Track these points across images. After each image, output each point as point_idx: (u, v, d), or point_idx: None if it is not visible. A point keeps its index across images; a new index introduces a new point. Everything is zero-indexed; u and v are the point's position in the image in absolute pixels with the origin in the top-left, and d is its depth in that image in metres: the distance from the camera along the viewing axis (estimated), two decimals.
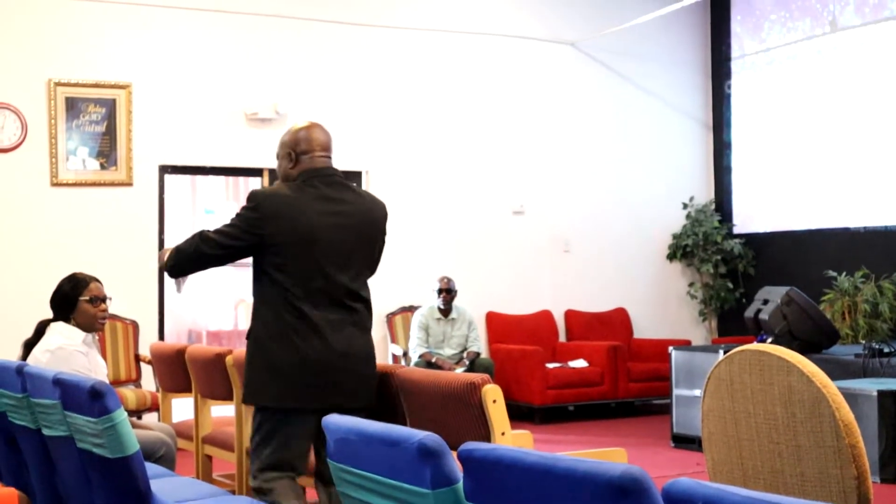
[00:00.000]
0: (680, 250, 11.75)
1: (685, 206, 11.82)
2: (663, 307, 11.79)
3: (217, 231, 4.32)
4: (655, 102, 11.81)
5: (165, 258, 4.39)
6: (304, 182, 4.48)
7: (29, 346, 5.23)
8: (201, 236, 4.32)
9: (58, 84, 8.93)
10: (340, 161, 10.17)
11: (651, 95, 11.76)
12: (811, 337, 7.98)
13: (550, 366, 10.32)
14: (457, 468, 2.19)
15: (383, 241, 4.63)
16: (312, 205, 4.41)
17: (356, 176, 10.27)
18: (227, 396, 5.79)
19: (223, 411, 6.59)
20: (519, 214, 11.04)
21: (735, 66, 11.89)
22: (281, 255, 4.27)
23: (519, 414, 9.96)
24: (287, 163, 4.58)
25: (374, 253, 4.59)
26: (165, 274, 4.54)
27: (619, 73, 11.56)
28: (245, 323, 12.01)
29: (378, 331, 10.31)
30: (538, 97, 11.18)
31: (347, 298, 4.38)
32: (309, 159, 4.57)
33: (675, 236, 11.81)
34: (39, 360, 4.96)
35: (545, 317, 11.10)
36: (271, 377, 4.22)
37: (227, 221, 4.36)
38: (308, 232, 4.30)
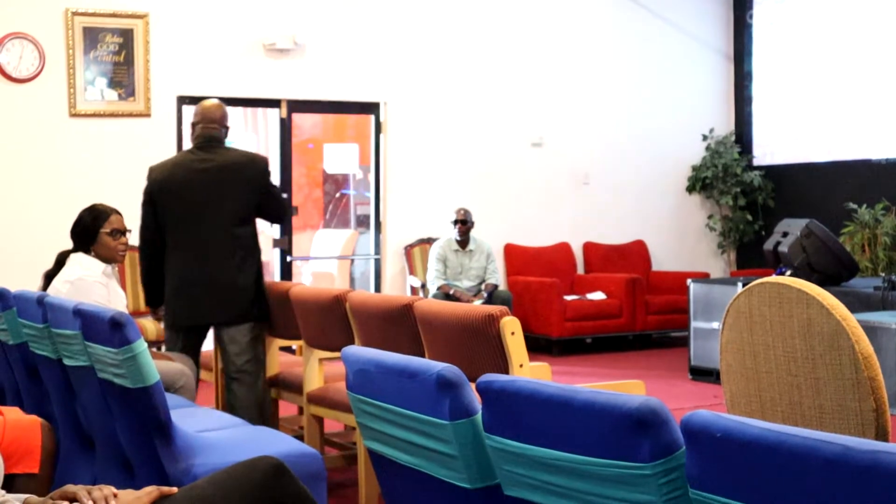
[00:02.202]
0: (699, 182, 11.69)
1: (705, 137, 11.74)
2: (682, 239, 11.76)
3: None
4: (676, 33, 11.69)
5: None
6: (189, 149, 5.77)
7: (49, 276, 5.25)
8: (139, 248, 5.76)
9: (75, 14, 8.89)
10: (358, 92, 10.24)
11: (672, 25, 11.64)
12: (831, 269, 7.95)
13: (568, 298, 10.33)
14: (475, 400, 2.20)
15: (258, 190, 5.58)
16: (184, 164, 5.63)
17: (374, 107, 10.22)
18: None
19: None
20: (537, 146, 10.98)
21: None
22: (163, 213, 5.59)
23: (537, 346, 9.99)
24: (191, 132, 5.76)
25: (240, 198, 5.53)
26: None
27: (639, 2, 11.43)
28: (264, 254, 12.04)
29: (396, 263, 10.32)
30: (557, 27, 11.08)
31: (206, 237, 5.49)
32: (200, 128, 5.66)
33: (694, 168, 11.74)
34: (59, 290, 4.98)
35: (563, 249, 11.09)
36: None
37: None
38: (176, 187, 5.55)
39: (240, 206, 5.52)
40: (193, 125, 5.72)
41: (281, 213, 5.93)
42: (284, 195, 9.94)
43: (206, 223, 5.48)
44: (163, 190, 5.58)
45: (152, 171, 5.72)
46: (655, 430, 1.71)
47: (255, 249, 5.63)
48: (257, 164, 5.67)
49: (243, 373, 5.50)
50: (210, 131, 5.64)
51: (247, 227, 5.58)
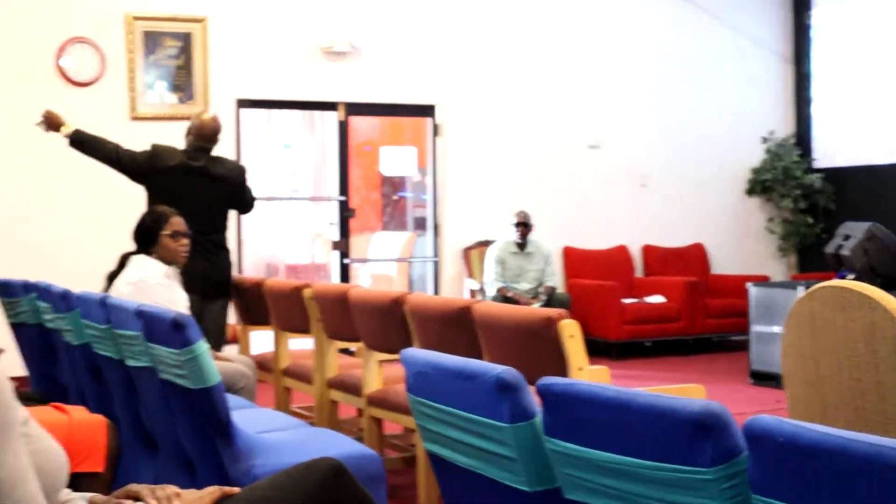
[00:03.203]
0: (759, 185, 11.59)
1: (765, 140, 11.64)
2: (741, 242, 11.66)
3: None
4: (734, 35, 11.59)
5: None
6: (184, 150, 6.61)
7: (112, 278, 5.32)
8: None
9: (136, 18, 8.99)
10: (414, 95, 10.27)
11: (730, 28, 11.55)
12: (894, 273, 7.84)
13: (627, 301, 10.28)
14: (535, 403, 2.19)
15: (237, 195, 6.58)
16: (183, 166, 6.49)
17: (431, 109, 10.24)
18: (304, 329, 5.85)
19: (301, 344, 6.66)
20: (595, 149, 10.94)
21: None
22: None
23: (595, 349, 9.94)
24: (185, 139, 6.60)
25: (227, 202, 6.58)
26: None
27: (698, 4, 11.36)
28: (321, 257, 12.11)
29: (454, 265, 10.33)
30: (615, 29, 11.04)
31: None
32: (192, 140, 6.51)
33: (754, 171, 11.64)
34: (121, 292, 5.04)
35: (622, 252, 11.04)
36: None
37: None
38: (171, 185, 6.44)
39: (222, 206, 6.51)
40: (186, 135, 6.57)
41: (250, 208, 6.85)
42: (342, 198, 10.00)
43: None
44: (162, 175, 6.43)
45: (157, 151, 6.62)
46: (717, 434, 1.70)
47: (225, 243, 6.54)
48: (240, 170, 6.68)
49: None
50: (206, 144, 6.51)
51: (223, 224, 6.54)
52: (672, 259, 11.18)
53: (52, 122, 6.62)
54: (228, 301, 6.57)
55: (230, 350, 7.84)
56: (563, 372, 3.78)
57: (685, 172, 11.36)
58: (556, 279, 9.91)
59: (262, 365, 6.31)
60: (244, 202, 6.71)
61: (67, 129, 6.60)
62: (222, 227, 6.50)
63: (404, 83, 10.05)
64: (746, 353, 8.72)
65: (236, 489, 2.36)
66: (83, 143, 6.62)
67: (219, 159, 6.58)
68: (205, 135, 6.50)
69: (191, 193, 6.26)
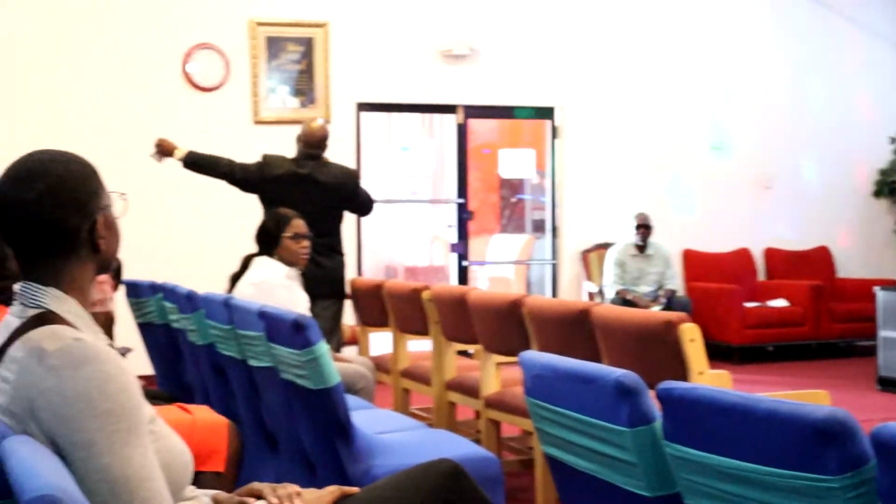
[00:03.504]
0: (887, 187, 11.30)
1: (893, 140, 11.34)
2: (868, 246, 11.38)
3: None
4: (861, 33, 11.33)
5: None
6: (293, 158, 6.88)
7: (235, 279, 5.41)
8: None
9: (259, 24, 9.14)
10: (533, 97, 10.24)
11: (856, 25, 11.29)
12: None
13: (749, 305, 10.11)
14: (654, 407, 2.17)
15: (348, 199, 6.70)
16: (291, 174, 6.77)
17: (550, 112, 10.21)
18: (423, 331, 5.87)
19: (420, 346, 6.70)
20: (717, 150, 10.79)
21: None
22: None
23: (716, 353, 9.79)
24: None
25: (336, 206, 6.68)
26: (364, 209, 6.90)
27: (825, 2, 11.13)
28: (440, 259, 12.16)
29: (572, 268, 10.29)
30: (738, 29, 10.87)
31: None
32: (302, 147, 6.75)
33: (881, 172, 11.35)
34: (244, 293, 5.12)
35: (744, 255, 10.87)
36: None
37: None
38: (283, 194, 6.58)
39: (333, 210, 6.64)
40: (296, 142, 6.81)
41: (368, 210, 6.95)
42: (461, 200, 10.03)
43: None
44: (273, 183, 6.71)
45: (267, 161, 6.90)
46: (843, 441, 1.66)
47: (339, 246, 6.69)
48: (351, 175, 6.82)
49: None
50: (313, 150, 6.71)
51: (336, 228, 6.67)
52: (796, 262, 10.97)
53: (164, 150, 6.92)
54: (341, 303, 6.61)
55: (349, 351, 7.92)
56: (683, 376, 3.74)
57: (810, 174, 11.14)
58: (677, 282, 9.81)
59: (381, 366, 6.36)
60: (358, 205, 6.80)
61: (180, 152, 6.92)
62: (331, 231, 6.58)
63: (523, 86, 10.04)
64: (873, 359, 8.51)
65: (355, 489, 2.38)
66: (197, 164, 6.96)
67: (327, 165, 6.69)
68: (311, 142, 6.69)
69: (298, 200, 6.25)
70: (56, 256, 2.08)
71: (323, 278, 6.43)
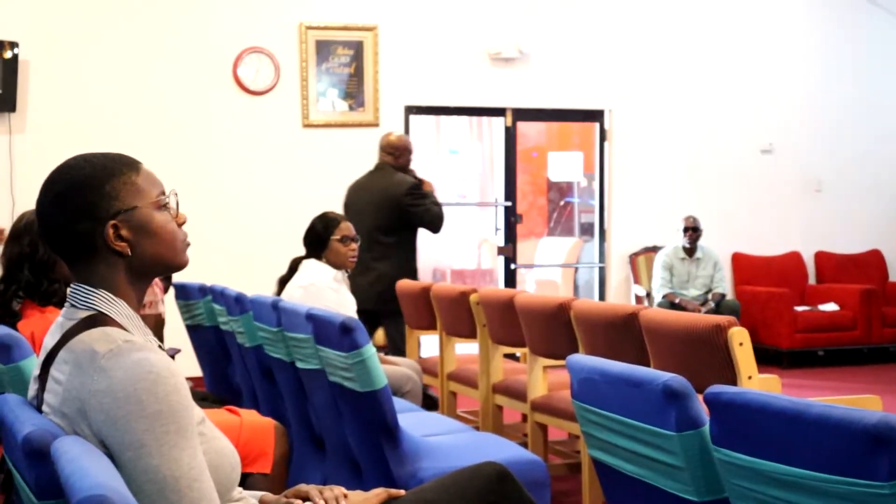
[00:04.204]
0: None
1: None
2: None
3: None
4: None
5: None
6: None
7: (283, 282, 5.44)
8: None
9: (309, 27, 9.19)
10: (582, 100, 10.22)
11: None
12: None
13: (799, 309, 10.03)
14: (703, 411, 2.16)
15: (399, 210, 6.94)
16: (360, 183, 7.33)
17: (599, 115, 10.19)
18: (471, 334, 5.87)
19: (467, 349, 6.70)
20: (767, 153, 10.71)
21: None
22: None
23: (765, 358, 9.72)
24: None
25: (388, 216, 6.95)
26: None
27: (873, 1, 11.01)
28: (488, 262, 12.15)
29: (620, 271, 10.25)
30: (784, 29, 10.79)
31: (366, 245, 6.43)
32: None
33: None
34: (293, 295, 5.15)
35: (794, 258, 10.78)
36: None
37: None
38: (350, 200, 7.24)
39: (384, 219, 6.94)
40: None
41: (426, 224, 7.07)
42: (509, 203, 10.00)
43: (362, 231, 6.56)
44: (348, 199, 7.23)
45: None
46: (895, 447, 1.65)
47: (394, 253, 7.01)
48: (398, 187, 7.00)
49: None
50: (382, 158, 7.22)
51: (390, 236, 6.98)
52: (847, 266, 10.86)
53: None
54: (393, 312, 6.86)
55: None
56: (731, 380, 3.71)
57: (861, 176, 11.02)
58: (726, 286, 9.74)
59: (429, 369, 6.37)
60: (415, 218, 7.01)
61: None
62: (377, 240, 6.88)
63: (572, 88, 10.01)
64: None
65: (401, 491, 2.38)
66: None
67: (386, 173, 7.08)
68: (382, 148, 7.22)
69: (355, 206, 7.01)
70: (82, 260, 2.08)
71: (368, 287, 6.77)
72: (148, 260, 2.10)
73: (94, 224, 2.05)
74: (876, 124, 11.05)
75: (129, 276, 2.10)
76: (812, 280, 10.87)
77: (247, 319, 4.89)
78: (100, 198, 2.05)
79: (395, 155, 7.16)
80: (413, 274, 7.11)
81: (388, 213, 6.96)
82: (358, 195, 7.17)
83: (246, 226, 8.99)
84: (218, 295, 5.58)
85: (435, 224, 7.07)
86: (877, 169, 11.06)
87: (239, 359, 5.44)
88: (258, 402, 5.11)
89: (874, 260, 10.99)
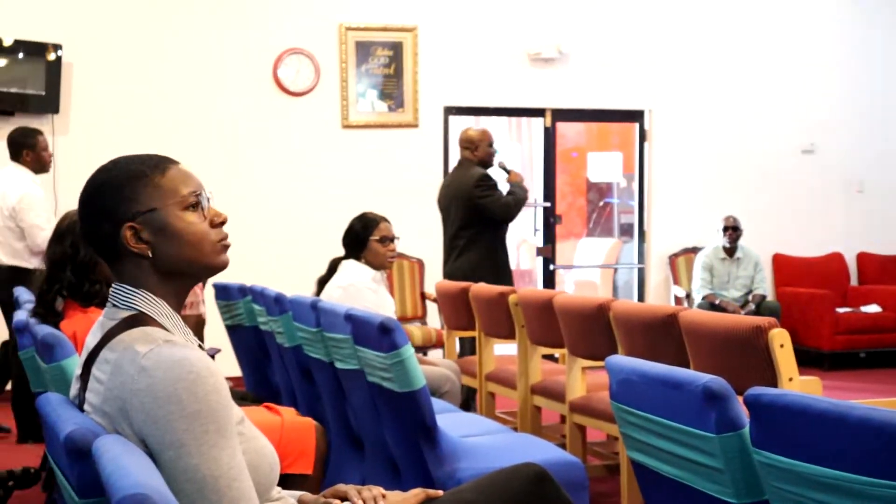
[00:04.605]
0: None
1: None
2: None
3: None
4: None
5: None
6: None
7: (322, 282, 5.46)
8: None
9: (349, 28, 9.21)
10: (622, 101, 10.20)
11: None
12: None
13: (841, 310, 9.94)
14: (743, 413, 2.15)
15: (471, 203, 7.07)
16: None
17: (639, 115, 10.15)
18: (509, 335, 5.87)
19: (505, 350, 6.69)
20: (808, 153, 10.63)
21: None
22: None
23: (806, 360, 9.65)
24: None
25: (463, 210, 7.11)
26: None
27: None
28: (526, 263, 12.14)
29: (660, 272, 10.21)
30: (828, 30, 10.70)
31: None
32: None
33: None
34: (332, 296, 5.17)
35: (836, 259, 10.70)
36: None
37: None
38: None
39: (461, 213, 7.13)
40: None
41: (496, 214, 7.10)
42: (548, 204, 9.99)
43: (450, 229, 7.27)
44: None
45: None
46: None
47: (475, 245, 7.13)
48: (469, 181, 7.10)
49: None
50: (462, 153, 7.31)
51: (468, 230, 7.12)
52: (890, 267, 10.76)
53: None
54: None
55: (435, 354, 7.94)
56: (772, 382, 3.69)
57: None
58: (766, 287, 9.68)
59: (467, 369, 6.36)
60: (486, 210, 7.08)
61: None
62: (458, 235, 7.18)
63: (612, 89, 9.98)
64: None
65: (440, 492, 2.38)
66: None
67: (463, 169, 7.22)
68: (460, 143, 7.35)
69: (441, 204, 7.39)
70: (114, 261, 2.11)
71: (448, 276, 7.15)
72: (173, 261, 2.10)
73: (114, 226, 2.07)
74: None
75: (159, 277, 2.10)
76: (854, 281, 10.78)
77: (286, 320, 4.91)
78: (118, 201, 2.07)
79: (472, 149, 7.22)
80: (496, 269, 7.06)
81: (464, 207, 7.10)
82: (443, 193, 7.39)
83: (286, 226, 9.03)
84: (258, 295, 5.61)
85: (505, 213, 7.12)
86: None
87: (278, 359, 5.46)
88: (297, 402, 5.13)
89: None
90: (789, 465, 1.92)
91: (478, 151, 7.19)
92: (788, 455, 1.93)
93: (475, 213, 7.07)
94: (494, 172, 7.25)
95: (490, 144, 7.24)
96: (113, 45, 8.70)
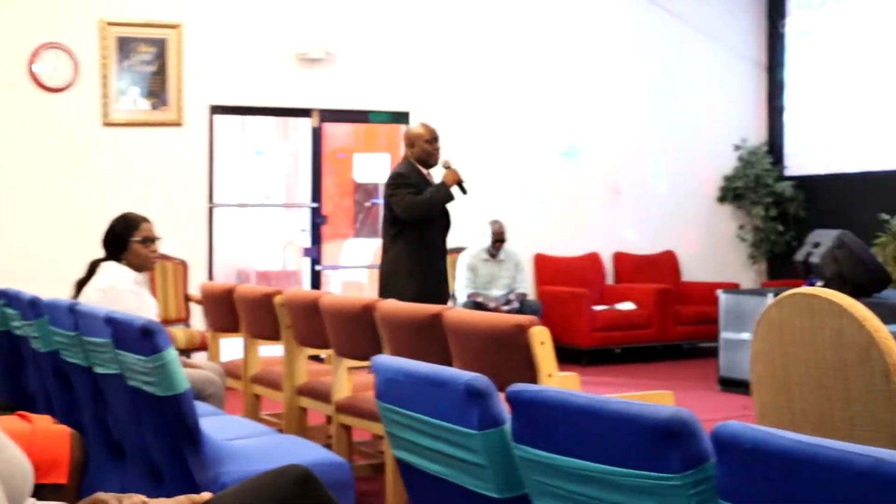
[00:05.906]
0: (730, 192, 11.64)
1: (737, 147, 11.69)
2: (712, 250, 11.70)
3: None
4: (709, 41, 11.65)
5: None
6: None
7: (81, 284, 5.28)
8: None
9: (109, 23, 8.95)
10: (388, 102, 10.23)
11: (704, 34, 11.60)
12: (862, 281, 7.89)
13: (598, 308, 10.30)
14: (504, 409, 2.19)
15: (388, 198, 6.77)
16: None
17: (403, 116, 10.24)
18: (275, 336, 5.83)
19: (271, 351, 6.64)
20: (568, 156, 10.96)
21: (790, 4, 11.68)
22: None
23: (566, 356, 9.92)
24: None
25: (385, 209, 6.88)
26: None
27: (672, 11, 11.40)
28: (293, 263, 12.08)
29: None
30: (586, 36, 11.06)
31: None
32: None
33: (726, 178, 11.69)
34: (91, 298, 5.01)
35: (593, 259, 11.07)
36: None
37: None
38: None
39: (384, 212, 7.00)
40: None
41: (400, 213, 6.72)
42: (315, 205, 9.95)
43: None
44: None
45: None
46: (685, 440, 1.70)
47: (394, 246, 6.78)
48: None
49: None
50: (404, 150, 7.03)
51: (391, 229, 6.78)
52: (643, 266, 11.21)
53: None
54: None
55: (199, 357, 7.81)
56: (533, 379, 3.78)
57: (657, 180, 11.40)
58: (527, 286, 9.92)
59: (232, 372, 6.28)
60: (394, 208, 6.73)
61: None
62: (384, 234, 6.90)
63: (378, 90, 10.04)
64: (716, 360, 8.75)
65: (206, 495, 2.34)
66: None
67: (398, 166, 6.98)
68: (404, 140, 7.19)
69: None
70: None
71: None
72: None
73: None
74: (672, 129, 11.44)
75: None
76: (610, 280, 11.18)
77: (42, 324, 4.74)
78: None
79: (409, 146, 6.91)
80: (408, 274, 6.63)
81: (385, 206, 6.98)
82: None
83: (43, 227, 8.70)
84: (11, 298, 5.39)
85: (407, 213, 6.64)
86: (671, 173, 11.45)
87: (33, 364, 5.26)
88: (53, 408, 4.95)
89: (668, 260, 11.39)
90: (548, 458, 1.97)
91: (414, 148, 6.83)
92: (547, 449, 1.97)
93: (390, 212, 6.79)
94: (437, 171, 6.92)
95: (429, 142, 6.84)
96: None
